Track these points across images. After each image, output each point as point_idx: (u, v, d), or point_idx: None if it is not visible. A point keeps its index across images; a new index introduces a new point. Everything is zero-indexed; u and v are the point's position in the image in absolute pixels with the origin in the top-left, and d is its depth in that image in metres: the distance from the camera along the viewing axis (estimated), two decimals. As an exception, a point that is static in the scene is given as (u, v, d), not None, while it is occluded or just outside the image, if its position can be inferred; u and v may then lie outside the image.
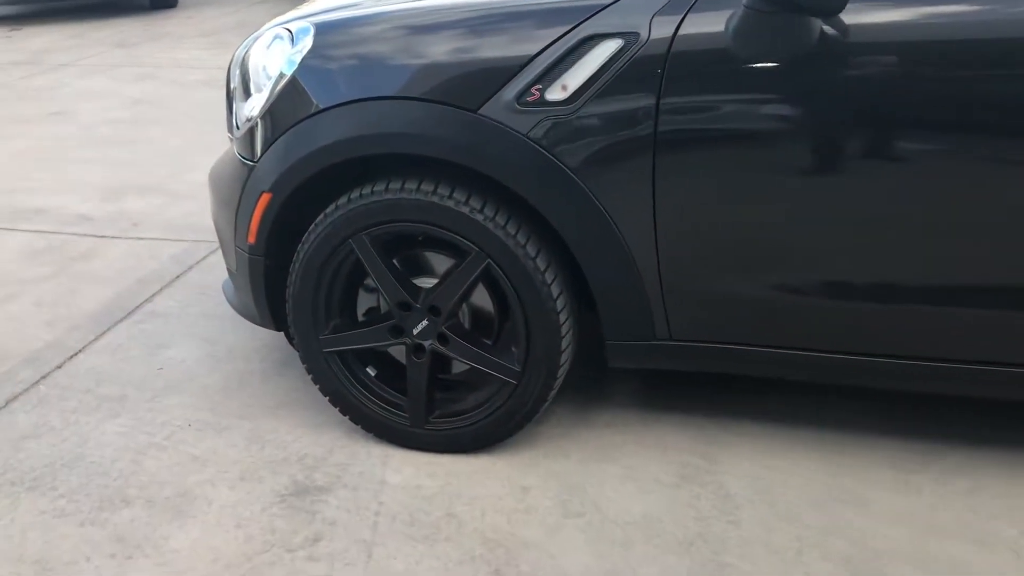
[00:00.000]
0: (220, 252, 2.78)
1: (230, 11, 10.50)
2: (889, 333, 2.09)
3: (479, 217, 2.15)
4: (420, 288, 2.31)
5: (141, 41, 8.75)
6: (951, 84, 1.87)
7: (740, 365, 2.25)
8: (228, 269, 2.64)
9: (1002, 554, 2.01)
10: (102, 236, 3.96)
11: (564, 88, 2.01)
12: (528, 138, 2.05)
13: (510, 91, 2.04)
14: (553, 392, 2.31)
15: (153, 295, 3.37)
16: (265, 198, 2.30)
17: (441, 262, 2.35)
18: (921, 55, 1.88)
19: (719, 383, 2.58)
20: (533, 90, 2.03)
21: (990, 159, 1.90)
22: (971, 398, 2.39)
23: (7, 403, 2.73)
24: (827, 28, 1.87)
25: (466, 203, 2.16)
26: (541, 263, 2.17)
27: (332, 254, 2.29)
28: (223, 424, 2.58)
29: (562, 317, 2.21)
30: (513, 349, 2.30)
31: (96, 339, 3.07)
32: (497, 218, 2.16)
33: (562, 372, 2.29)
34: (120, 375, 2.85)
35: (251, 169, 2.34)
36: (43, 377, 2.85)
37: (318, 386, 2.46)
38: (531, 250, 2.17)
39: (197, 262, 3.62)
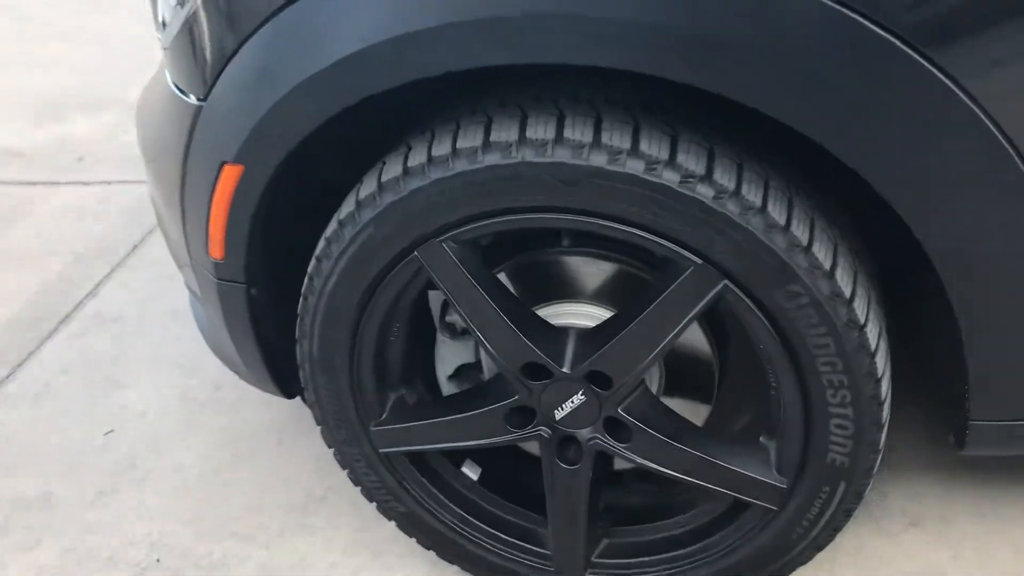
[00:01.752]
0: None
1: None
2: None
3: (703, 191, 0.96)
4: (561, 331, 1.14)
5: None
6: None
7: None
8: (187, 287, 1.47)
9: None
10: (32, 183, 2.76)
11: None
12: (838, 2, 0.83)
13: None
14: (848, 521, 1.16)
15: (99, 284, 2.20)
16: (231, 175, 1.11)
17: (598, 272, 1.18)
18: None
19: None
20: None
21: None
22: None
23: None
24: None
25: (671, 164, 0.96)
26: (843, 282, 0.99)
27: (382, 279, 1.11)
28: (214, 556, 1.47)
29: (883, 388, 1.05)
30: (764, 441, 1.14)
31: (9, 376, 1.94)
32: (745, 194, 0.96)
33: (869, 484, 1.14)
34: (41, 450, 1.72)
35: (196, 113, 1.14)
36: (-82, 461, 1.75)
37: (375, 504, 1.33)
38: (821, 256, 0.98)
39: (164, 219, 2.44)
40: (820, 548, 1.18)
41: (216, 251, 1.17)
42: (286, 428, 1.71)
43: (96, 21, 4.20)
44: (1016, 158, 0.87)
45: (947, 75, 0.85)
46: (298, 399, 1.66)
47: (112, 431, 1.75)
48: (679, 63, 0.89)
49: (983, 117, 0.86)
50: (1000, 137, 0.86)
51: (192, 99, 1.14)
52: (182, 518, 1.55)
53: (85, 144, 2.98)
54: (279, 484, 1.59)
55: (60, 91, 3.43)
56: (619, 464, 1.29)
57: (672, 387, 1.22)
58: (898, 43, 0.84)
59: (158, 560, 1.47)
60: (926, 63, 0.85)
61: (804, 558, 1.18)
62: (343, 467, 1.29)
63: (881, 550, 1.35)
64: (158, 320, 2.05)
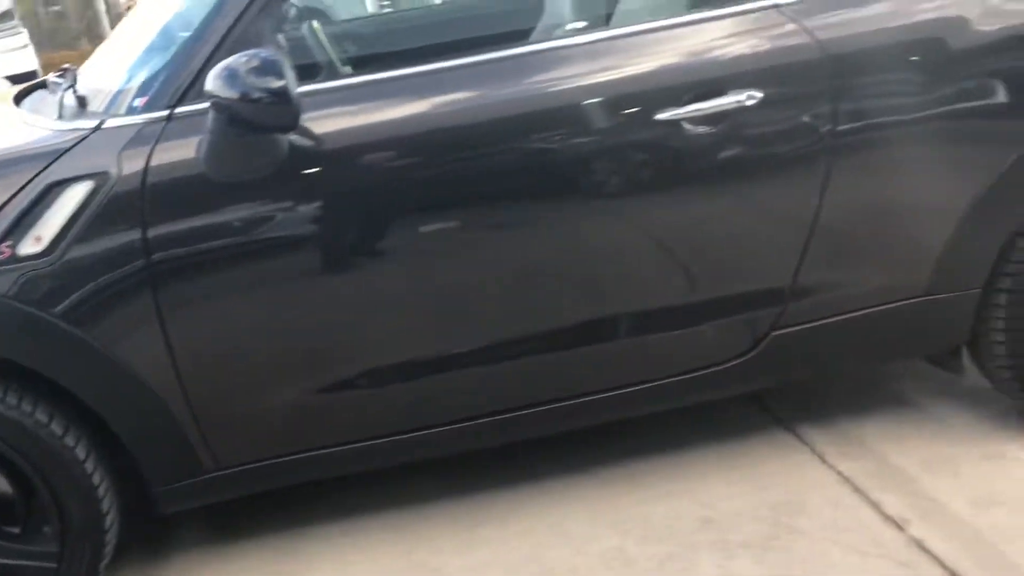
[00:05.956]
0: None
1: None
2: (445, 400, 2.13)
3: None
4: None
5: None
6: (425, 170, 1.98)
7: (303, 473, 2.19)
8: None
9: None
10: None
11: (39, 240, 1.86)
12: (8, 298, 1.86)
13: (-24, 253, 1.85)
14: (105, 561, 2.09)
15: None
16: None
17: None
18: (385, 147, 1.98)
19: (294, 490, 2.49)
20: (2, 248, 1.86)
21: (489, 227, 2.06)
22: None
23: None
24: (296, 139, 1.91)
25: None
26: (57, 427, 1.95)
27: None
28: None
29: (96, 479, 2.02)
30: (46, 529, 2.02)
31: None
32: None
33: (111, 537, 2.07)
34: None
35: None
36: None
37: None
38: (41, 416, 1.94)
39: None
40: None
41: None
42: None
43: None
44: (112, 356, 1.94)
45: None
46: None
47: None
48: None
49: (94, 344, 1.91)
50: (102, 349, 1.92)
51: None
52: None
53: None
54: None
55: None
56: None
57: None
58: (43, 315, 1.88)
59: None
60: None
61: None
62: None
63: None
64: None
